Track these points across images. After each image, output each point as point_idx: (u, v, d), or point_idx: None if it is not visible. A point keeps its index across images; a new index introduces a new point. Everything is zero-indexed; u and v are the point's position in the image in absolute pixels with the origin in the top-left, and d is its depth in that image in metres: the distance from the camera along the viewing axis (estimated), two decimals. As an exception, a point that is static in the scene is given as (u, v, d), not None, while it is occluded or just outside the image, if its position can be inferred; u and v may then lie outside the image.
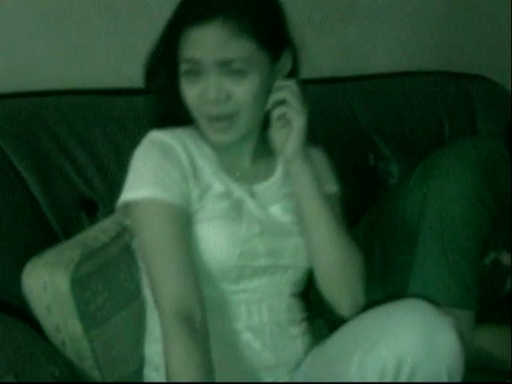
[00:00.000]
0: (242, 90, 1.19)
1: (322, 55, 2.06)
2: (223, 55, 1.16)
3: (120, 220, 1.32)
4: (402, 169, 1.96)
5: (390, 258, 1.48)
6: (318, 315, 1.46)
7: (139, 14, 1.73)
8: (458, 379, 1.13)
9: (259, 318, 1.26)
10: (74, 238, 1.36)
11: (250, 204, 1.27)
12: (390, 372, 1.11)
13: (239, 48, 1.17)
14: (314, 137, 1.88)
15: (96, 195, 1.51)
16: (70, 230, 1.43)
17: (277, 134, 1.25)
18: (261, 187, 1.30)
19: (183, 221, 1.20)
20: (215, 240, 1.22)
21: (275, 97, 1.24)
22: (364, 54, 2.24)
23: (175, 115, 1.28)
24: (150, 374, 1.32)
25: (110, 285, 1.31)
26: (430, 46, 2.39)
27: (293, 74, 1.28)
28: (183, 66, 1.21)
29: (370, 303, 1.26)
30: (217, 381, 1.11)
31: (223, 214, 1.23)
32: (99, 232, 1.36)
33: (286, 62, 1.26)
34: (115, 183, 1.51)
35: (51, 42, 1.63)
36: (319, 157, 1.38)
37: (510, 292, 1.57)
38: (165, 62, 1.24)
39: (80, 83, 1.65)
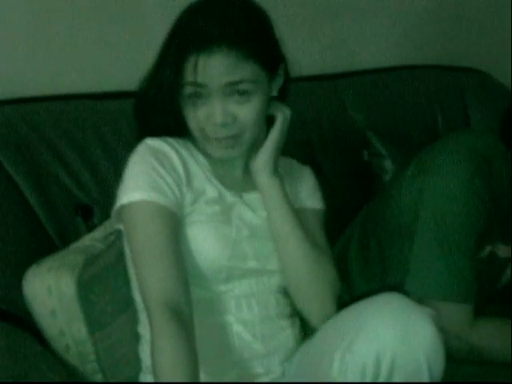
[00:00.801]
0: (248, 112, 1.22)
1: (313, 52, 2.06)
2: (230, 78, 1.19)
3: (113, 225, 1.34)
4: (396, 164, 1.97)
5: (387, 254, 1.48)
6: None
7: (130, 17, 1.74)
8: (438, 370, 1.14)
9: (249, 311, 1.29)
10: (72, 247, 1.37)
11: (240, 208, 1.31)
12: (370, 368, 1.12)
13: (246, 70, 1.20)
14: (308, 135, 1.91)
15: (91, 200, 1.51)
16: (66, 236, 1.43)
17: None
18: (250, 196, 1.34)
19: (174, 223, 1.22)
20: (206, 241, 1.25)
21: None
22: (355, 50, 2.24)
23: (167, 129, 1.30)
24: (145, 377, 1.33)
25: (111, 289, 1.32)
26: (422, 39, 2.39)
27: (284, 84, 1.32)
28: (187, 90, 1.22)
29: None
30: (208, 371, 1.17)
31: (214, 217, 1.27)
32: (95, 240, 1.38)
33: (280, 77, 1.30)
34: (110, 188, 1.51)
35: (42, 48, 1.63)
36: (305, 174, 1.44)
37: (507, 284, 1.58)
38: (164, 86, 1.24)
39: (72, 88, 1.65)
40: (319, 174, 1.85)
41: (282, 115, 1.30)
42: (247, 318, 1.28)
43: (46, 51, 1.64)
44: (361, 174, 1.96)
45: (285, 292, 1.35)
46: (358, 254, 1.57)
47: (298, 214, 1.32)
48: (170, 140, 1.29)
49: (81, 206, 1.49)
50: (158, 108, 1.26)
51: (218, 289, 1.27)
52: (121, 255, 1.35)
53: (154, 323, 1.13)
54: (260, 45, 1.22)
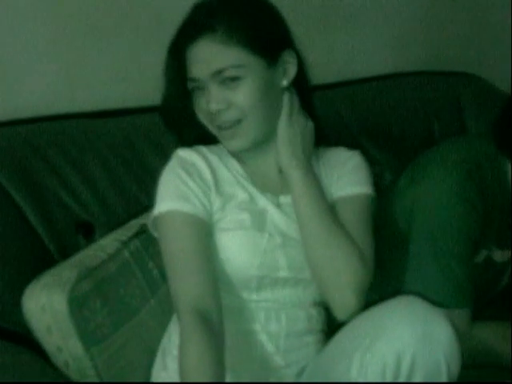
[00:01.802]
0: (240, 96, 1.24)
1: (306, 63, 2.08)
2: (214, 67, 1.23)
3: (120, 232, 1.40)
4: (392, 171, 1.96)
5: (384, 262, 1.49)
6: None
7: (126, 35, 1.75)
8: (456, 368, 1.16)
9: (277, 323, 1.30)
10: (72, 258, 1.38)
11: (274, 214, 1.31)
12: (391, 368, 1.13)
13: (228, 57, 1.23)
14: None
15: (91, 217, 1.52)
16: (67, 254, 1.44)
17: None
18: (287, 199, 1.32)
19: (204, 230, 1.26)
20: (235, 250, 1.26)
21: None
22: (349, 60, 2.24)
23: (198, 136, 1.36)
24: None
25: (110, 301, 1.33)
26: (414, 46, 2.40)
27: (300, 76, 1.33)
28: (189, 85, 1.28)
29: (368, 306, 1.27)
30: (227, 377, 1.16)
31: (245, 224, 1.28)
32: (98, 250, 1.40)
33: (286, 65, 1.30)
34: (110, 204, 1.55)
35: (39, 69, 1.65)
36: (350, 159, 1.39)
37: (506, 287, 1.59)
38: (175, 84, 1.31)
39: (70, 107, 1.67)
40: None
41: (288, 100, 1.30)
42: (274, 330, 1.29)
43: (43, 72, 1.65)
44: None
45: (319, 306, 1.35)
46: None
47: (334, 205, 1.30)
48: (202, 149, 1.34)
49: (81, 223, 1.51)
50: (176, 113, 1.33)
51: (249, 297, 1.29)
52: (124, 265, 1.37)
53: (182, 328, 1.16)
54: (249, 30, 1.24)
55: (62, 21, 1.66)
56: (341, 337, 1.27)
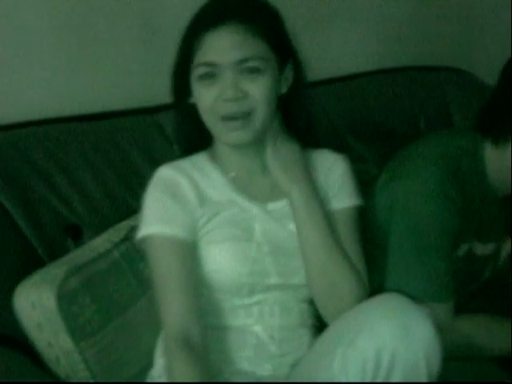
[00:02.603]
0: (258, 88, 1.25)
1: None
2: (240, 55, 1.24)
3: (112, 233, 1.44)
4: (379, 167, 1.97)
5: (367, 257, 1.51)
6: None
7: (113, 37, 1.76)
8: (436, 364, 1.18)
9: (271, 317, 1.33)
10: (63, 257, 1.41)
11: (263, 222, 1.33)
12: (371, 363, 1.16)
13: (254, 47, 1.24)
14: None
15: (80, 220, 1.53)
16: (56, 257, 1.44)
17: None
18: (276, 206, 1.35)
19: (188, 252, 1.29)
20: (225, 261, 1.29)
21: None
22: (333, 56, 2.25)
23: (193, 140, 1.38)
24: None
25: (98, 298, 1.36)
26: (400, 42, 2.40)
27: (297, 85, 1.35)
28: (199, 70, 1.26)
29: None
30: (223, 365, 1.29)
31: (233, 235, 1.30)
32: (87, 249, 1.42)
33: (289, 73, 1.34)
34: (98, 207, 1.56)
35: (26, 73, 1.65)
36: (336, 166, 1.40)
37: (489, 280, 1.61)
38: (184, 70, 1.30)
39: (56, 111, 1.67)
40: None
41: (276, 126, 1.33)
42: (268, 323, 1.33)
43: (30, 76, 1.66)
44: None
45: (310, 304, 1.38)
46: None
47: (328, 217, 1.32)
48: (183, 164, 1.35)
49: (70, 226, 1.52)
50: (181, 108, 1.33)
51: (242, 301, 1.32)
52: (115, 264, 1.40)
53: (168, 350, 1.24)
54: (268, 24, 1.27)
55: (49, 23, 1.66)
56: (327, 333, 1.29)
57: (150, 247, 1.31)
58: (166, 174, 1.34)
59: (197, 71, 1.26)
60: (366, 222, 1.48)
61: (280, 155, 1.31)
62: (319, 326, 1.39)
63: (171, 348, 1.23)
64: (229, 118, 1.26)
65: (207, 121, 1.30)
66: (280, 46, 1.29)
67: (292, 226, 1.32)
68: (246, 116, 1.26)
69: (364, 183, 1.95)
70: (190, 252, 1.29)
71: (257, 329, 1.33)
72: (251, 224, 1.32)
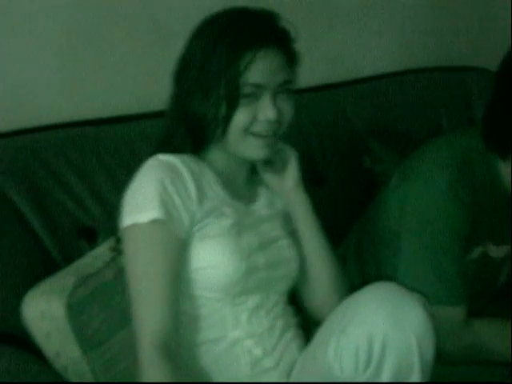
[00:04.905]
0: (290, 110, 1.30)
1: (311, 63, 2.05)
2: (283, 78, 1.27)
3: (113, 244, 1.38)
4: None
5: (380, 260, 1.51)
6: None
7: (126, 42, 1.77)
8: (429, 351, 1.19)
9: (258, 324, 1.31)
10: (70, 266, 1.41)
11: (248, 220, 1.34)
12: (363, 350, 1.17)
13: (291, 72, 1.30)
14: (309, 144, 1.93)
15: (94, 223, 1.54)
16: (71, 259, 1.45)
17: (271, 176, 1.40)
18: (253, 207, 1.38)
19: (179, 252, 1.22)
20: (222, 255, 1.25)
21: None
22: (354, 58, 2.25)
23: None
24: None
25: (106, 307, 1.35)
26: (422, 42, 2.40)
27: None
28: (245, 90, 1.24)
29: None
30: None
31: (227, 230, 1.28)
32: (94, 258, 1.41)
33: None
34: (113, 210, 1.55)
35: (41, 78, 1.67)
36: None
37: (505, 284, 1.58)
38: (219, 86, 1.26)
39: (72, 115, 1.69)
40: (322, 182, 1.90)
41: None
42: (257, 331, 1.31)
43: (45, 82, 1.68)
44: (363, 181, 1.97)
45: (288, 301, 1.40)
46: (356, 257, 1.61)
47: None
48: (182, 155, 1.29)
49: (84, 228, 1.53)
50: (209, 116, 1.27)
51: (232, 302, 1.29)
52: (120, 272, 1.37)
53: (143, 360, 1.15)
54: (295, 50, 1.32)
55: (62, 28, 1.68)
56: (324, 324, 1.32)
57: (135, 239, 1.21)
58: (167, 159, 1.26)
59: (242, 90, 1.24)
60: (377, 224, 1.47)
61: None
62: (303, 323, 1.41)
63: (151, 356, 1.13)
64: (261, 136, 1.28)
65: (232, 135, 1.27)
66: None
67: (266, 225, 1.37)
68: (273, 135, 1.29)
69: (381, 184, 1.96)
70: (181, 253, 1.23)
71: (248, 344, 1.30)
72: (240, 221, 1.31)
